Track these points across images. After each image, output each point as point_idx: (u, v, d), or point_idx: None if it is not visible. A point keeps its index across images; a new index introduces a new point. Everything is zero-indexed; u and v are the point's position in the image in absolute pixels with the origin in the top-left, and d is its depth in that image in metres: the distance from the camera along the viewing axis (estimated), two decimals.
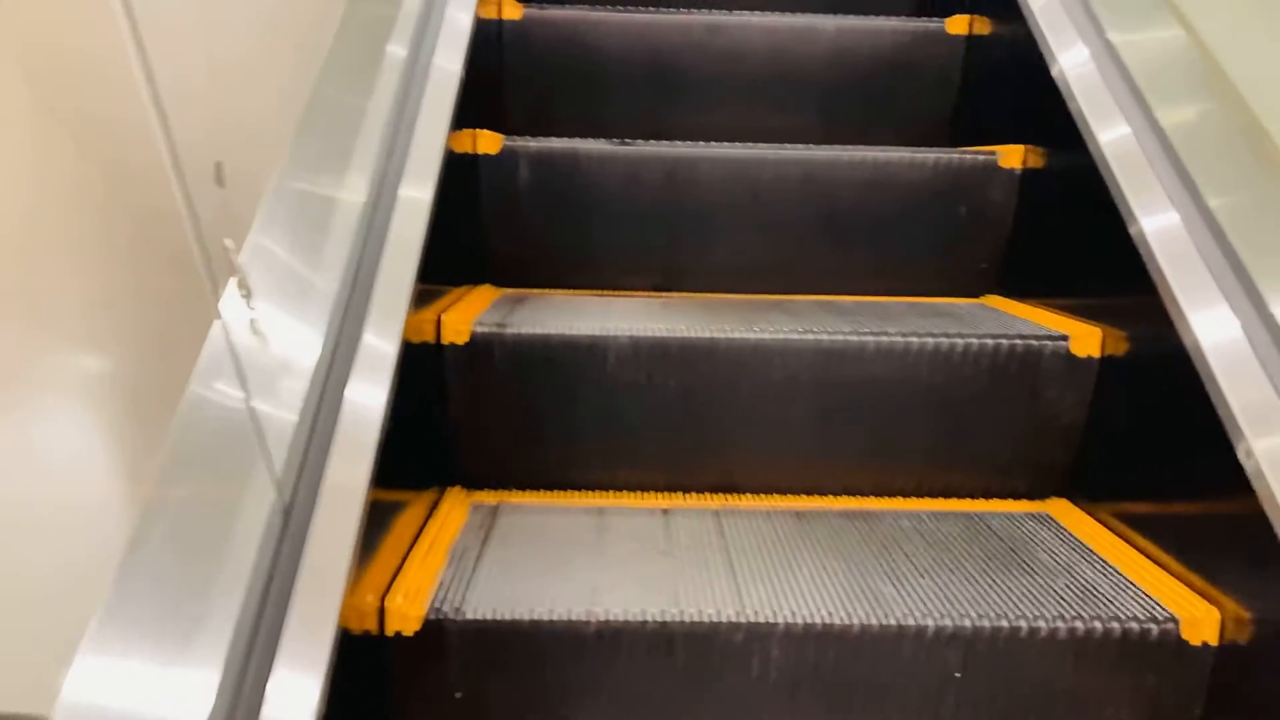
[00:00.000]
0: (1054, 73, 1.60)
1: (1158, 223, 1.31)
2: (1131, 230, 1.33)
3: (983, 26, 2.04)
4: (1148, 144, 1.40)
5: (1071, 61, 1.59)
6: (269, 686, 0.81)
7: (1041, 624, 1.11)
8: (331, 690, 0.85)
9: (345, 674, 0.92)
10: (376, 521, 1.06)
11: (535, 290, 1.77)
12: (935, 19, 2.07)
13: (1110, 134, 1.45)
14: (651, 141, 1.75)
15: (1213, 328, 1.17)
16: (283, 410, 0.97)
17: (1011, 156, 1.74)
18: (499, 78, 2.08)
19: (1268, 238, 1.22)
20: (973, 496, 1.50)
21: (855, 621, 1.10)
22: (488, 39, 2.02)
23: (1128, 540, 1.32)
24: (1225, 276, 1.21)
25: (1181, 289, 1.23)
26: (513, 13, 2.05)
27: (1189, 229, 1.27)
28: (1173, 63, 1.47)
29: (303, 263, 1.12)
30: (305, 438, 0.98)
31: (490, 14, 2.02)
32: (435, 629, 1.07)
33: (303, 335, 1.05)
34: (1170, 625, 1.12)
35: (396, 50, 1.52)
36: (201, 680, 0.74)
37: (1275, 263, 1.18)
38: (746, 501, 1.46)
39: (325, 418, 1.02)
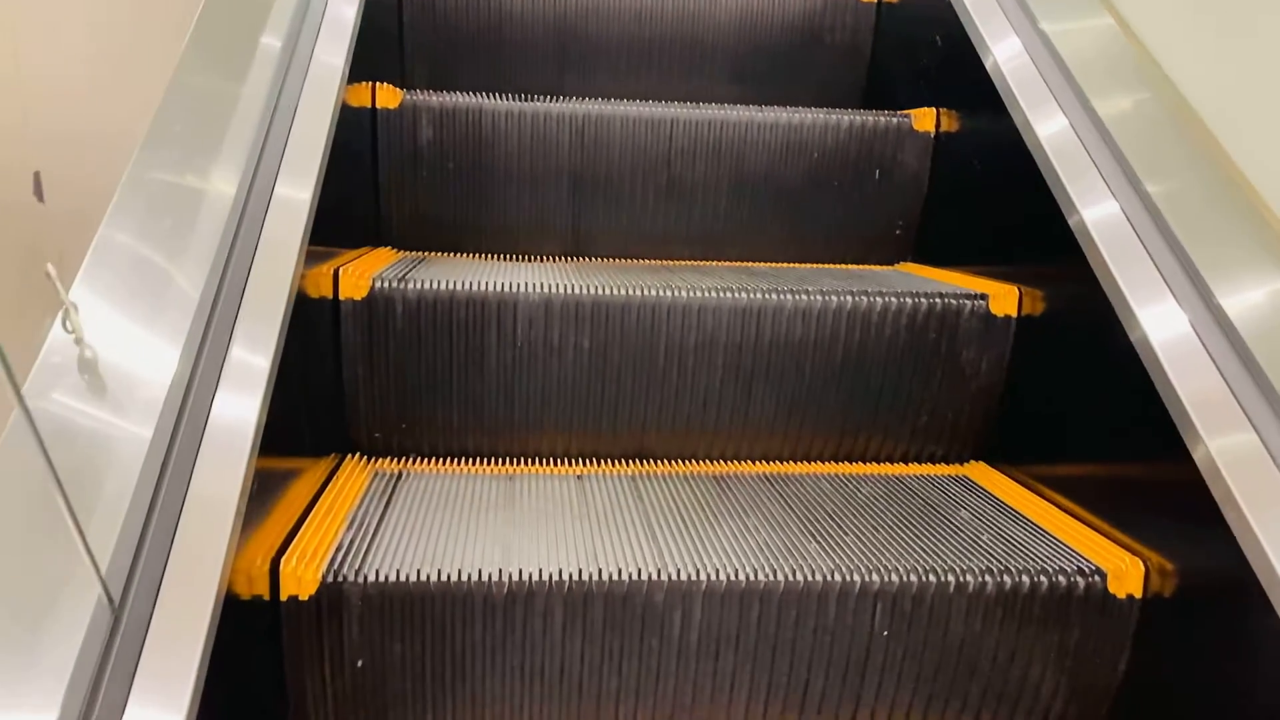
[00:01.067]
0: (971, 36, 1.58)
1: (1082, 188, 1.29)
2: (1056, 194, 1.31)
3: None
4: (1074, 115, 1.37)
5: (988, 24, 1.57)
6: (135, 681, 0.72)
7: (969, 578, 1.08)
8: (212, 670, 0.75)
9: (233, 647, 0.83)
10: (265, 489, 0.97)
11: (437, 254, 1.68)
12: None
13: (1029, 94, 1.43)
14: (561, 98, 1.68)
15: (1158, 317, 1.13)
16: (136, 424, 0.83)
17: (925, 119, 1.72)
18: (398, 38, 1.98)
19: (1193, 203, 1.21)
20: (892, 461, 1.47)
21: (780, 578, 1.05)
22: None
23: (1049, 500, 1.30)
24: (1154, 241, 1.19)
25: (1111, 255, 1.20)
26: None
27: (1116, 194, 1.25)
28: (1094, 28, 1.46)
29: (164, 249, 0.98)
30: (164, 444, 0.84)
31: None
32: (334, 591, 0.99)
33: (163, 335, 0.91)
34: (1096, 578, 1.09)
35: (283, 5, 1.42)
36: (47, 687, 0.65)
37: (1199, 226, 1.17)
38: (664, 468, 1.41)
39: (195, 410, 0.90)
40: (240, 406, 0.93)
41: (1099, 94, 1.36)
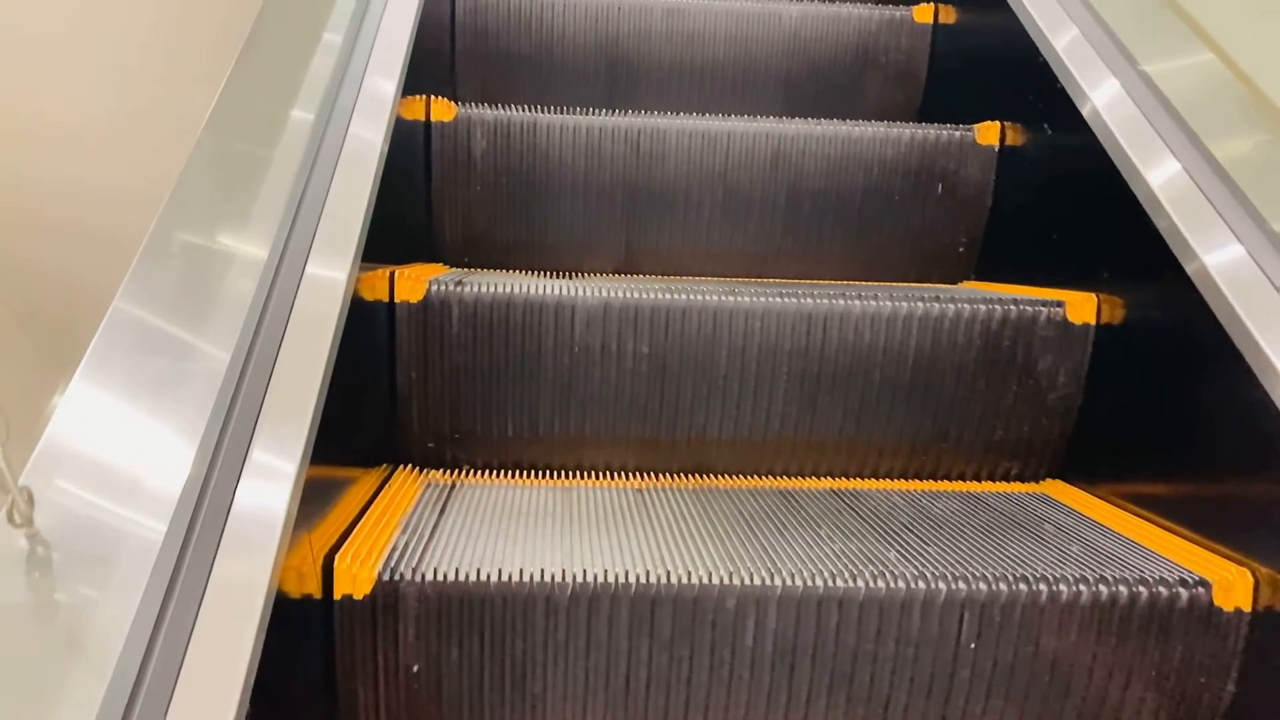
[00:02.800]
0: (1043, 50, 1.53)
1: (1168, 184, 1.23)
2: (1140, 196, 1.25)
3: (949, 15, 1.99)
4: (1155, 117, 1.32)
5: (1067, 46, 1.51)
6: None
7: (1062, 587, 1.01)
8: (260, 679, 0.70)
9: (281, 648, 0.77)
10: (315, 496, 0.91)
11: (490, 271, 1.65)
12: (902, 7, 2.02)
13: (1109, 105, 1.38)
14: (616, 112, 1.66)
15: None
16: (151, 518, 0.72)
17: (989, 133, 1.67)
18: (450, 64, 1.98)
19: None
20: (964, 479, 1.40)
21: (860, 584, 0.99)
22: (440, 20, 1.92)
23: (1138, 515, 1.22)
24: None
25: (1236, 296, 1.11)
26: None
27: (1239, 235, 1.18)
28: (1193, 64, 1.41)
29: (185, 323, 0.88)
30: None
31: None
32: (389, 590, 0.93)
33: (179, 424, 0.79)
34: (1200, 589, 1.02)
35: (339, 19, 1.38)
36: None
37: None
38: (727, 482, 1.35)
39: (211, 517, 0.77)
40: (265, 505, 0.80)
41: (1206, 127, 1.27)
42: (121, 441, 0.77)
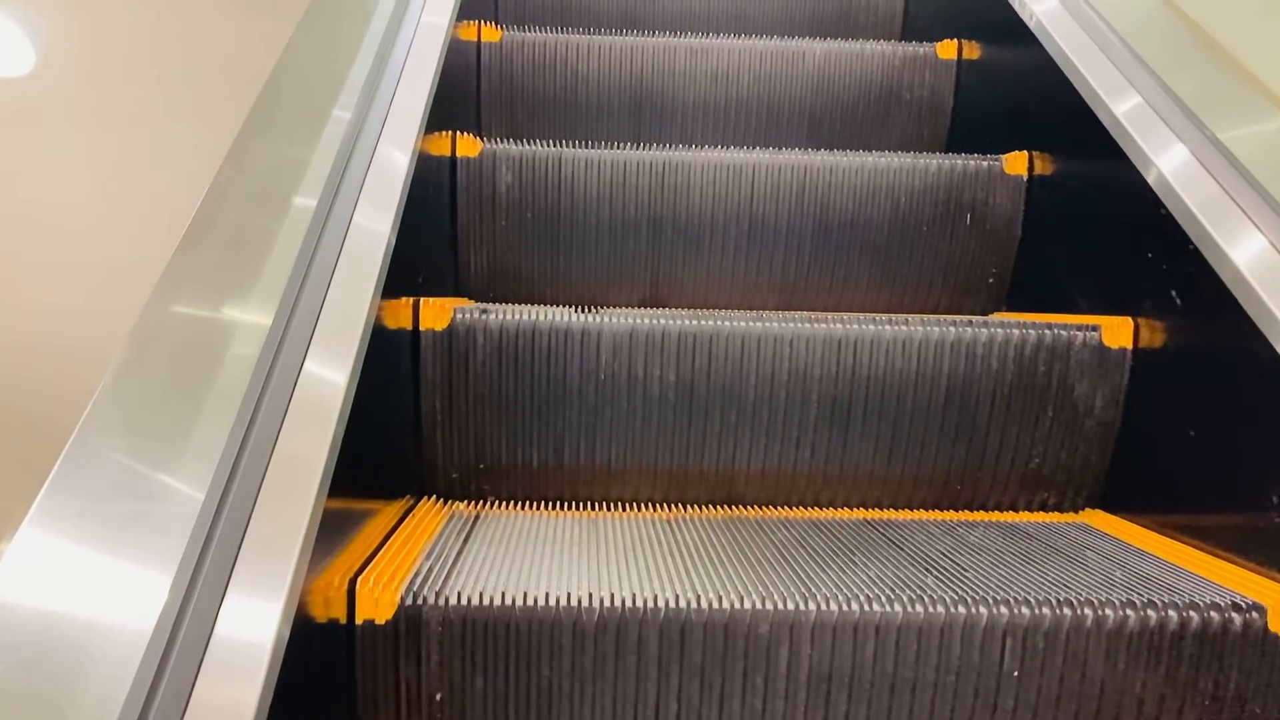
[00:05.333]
0: (1074, 80, 1.51)
1: (1207, 206, 1.21)
2: (1180, 219, 1.22)
3: (973, 51, 1.99)
4: (1207, 155, 1.29)
5: (1094, 67, 1.50)
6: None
7: (1108, 612, 0.97)
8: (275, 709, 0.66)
9: (299, 679, 0.74)
10: (333, 531, 0.88)
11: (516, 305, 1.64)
12: (925, 43, 2.02)
13: (1142, 129, 1.36)
14: (642, 146, 1.66)
15: None
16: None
17: (1016, 163, 1.66)
18: (476, 104, 1.99)
19: None
20: (1000, 509, 1.36)
21: (898, 609, 0.95)
22: (466, 61, 1.94)
23: (1184, 542, 1.18)
24: None
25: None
26: (491, 36, 1.97)
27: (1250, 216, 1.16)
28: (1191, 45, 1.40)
29: (175, 412, 0.78)
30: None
31: (470, 36, 1.95)
32: (412, 615, 0.91)
33: (154, 559, 0.66)
34: (1254, 614, 0.98)
35: (364, 57, 1.38)
36: None
37: None
38: (757, 512, 1.32)
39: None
40: (281, 531, 0.75)
41: (1234, 140, 1.25)
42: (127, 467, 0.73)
